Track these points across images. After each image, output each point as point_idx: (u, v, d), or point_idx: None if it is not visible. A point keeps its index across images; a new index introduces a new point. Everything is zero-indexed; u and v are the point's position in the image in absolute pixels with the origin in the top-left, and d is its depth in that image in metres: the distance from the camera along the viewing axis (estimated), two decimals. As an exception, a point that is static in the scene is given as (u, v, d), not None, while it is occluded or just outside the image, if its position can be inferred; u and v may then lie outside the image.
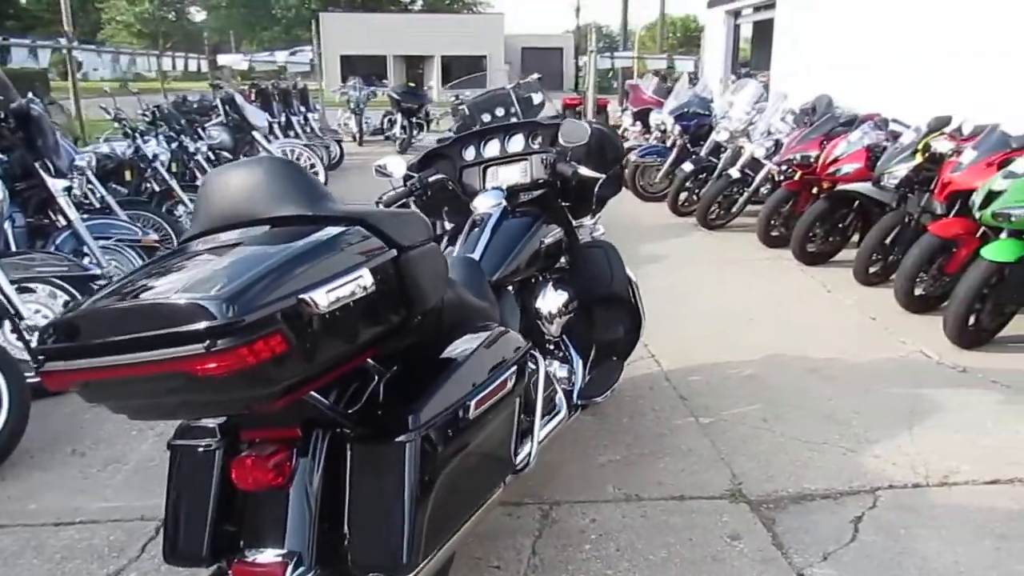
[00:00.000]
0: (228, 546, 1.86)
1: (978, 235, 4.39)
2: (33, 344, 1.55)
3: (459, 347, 1.97)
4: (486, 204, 2.85)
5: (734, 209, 7.16)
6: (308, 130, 11.49)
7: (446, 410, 1.78)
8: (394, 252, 1.78)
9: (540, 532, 2.54)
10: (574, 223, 3.07)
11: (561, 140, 2.79)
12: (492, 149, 3.06)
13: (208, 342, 1.40)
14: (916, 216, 5.01)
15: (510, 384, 1.99)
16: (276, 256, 1.56)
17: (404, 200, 3.04)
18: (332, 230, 1.70)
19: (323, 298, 1.54)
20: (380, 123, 16.03)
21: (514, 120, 6.63)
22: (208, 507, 1.85)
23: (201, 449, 1.89)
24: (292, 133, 10.71)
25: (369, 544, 1.69)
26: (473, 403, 1.85)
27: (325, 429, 1.81)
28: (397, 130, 14.34)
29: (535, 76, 6.66)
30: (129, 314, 1.50)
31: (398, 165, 3.05)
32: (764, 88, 7.48)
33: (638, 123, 10.15)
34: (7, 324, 3.63)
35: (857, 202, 5.68)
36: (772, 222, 6.37)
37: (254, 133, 8.36)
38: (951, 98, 5.71)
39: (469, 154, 3.09)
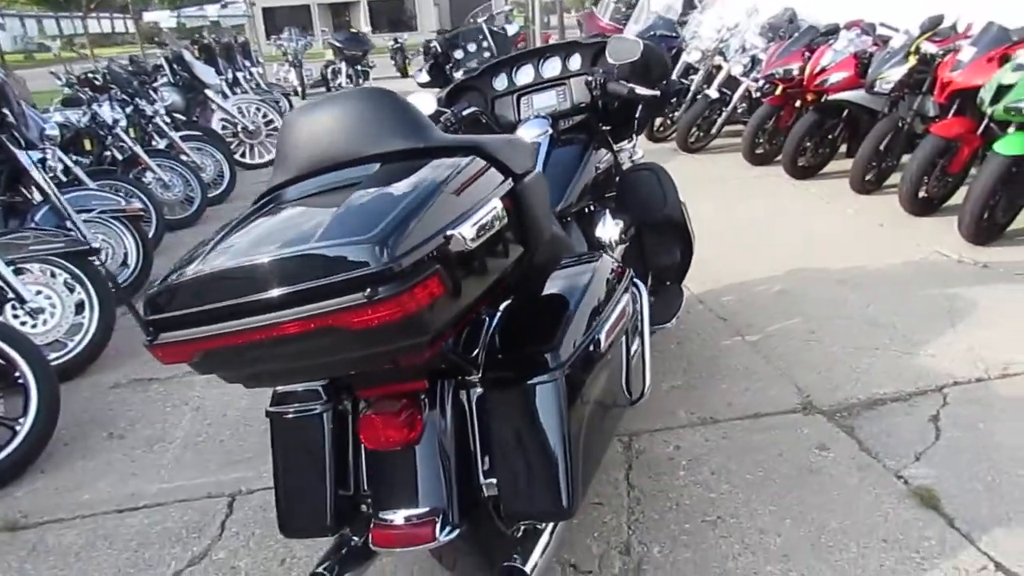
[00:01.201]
0: (348, 512, 1.76)
1: (979, 132, 4.43)
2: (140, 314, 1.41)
3: (569, 280, 1.87)
4: (532, 134, 2.72)
5: (713, 130, 7.11)
6: (254, 85, 10.99)
7: (583, 344, 1.69)
8: (511, 181, 1.66)
9: (630, 464, 2.49)
10: (615, 147, 2.96)
11: (610, 59, 2.65)
12: (525, 76, 2.92)
13: (369, 290, 1.28)
14: (910, 120, 5.02)
15: (629, 312, 1.91)
16: (412, 193, 1.43)
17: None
18: (454, 161, 1.57)
19: (470, 232, 1.42)
20: (321, 74, 15.50)
21: (487, 55, 6.48)
22: (326, 473, 1.74)
23: (309, 413, 1.77)
24: (239, 90, 10.23)
25: (526, 491, 1.60)
26: (603, 334, 1.76)
27: (449, 379, 1.71)
28: (343, 80, 13.89)
29: (506, 8, 6.42)
30: (262, 271, 1.36)
31: (428, 102, 2.86)
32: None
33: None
34: (7, 309, 3.40)
35: (846, 112, 5.66)
36: (757, 139, 6.34)
37: (207, 91, 7.94)
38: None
39: (500, 83, 2.94)
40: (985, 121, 4.33)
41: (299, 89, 14.66)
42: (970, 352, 3.01)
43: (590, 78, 2.73)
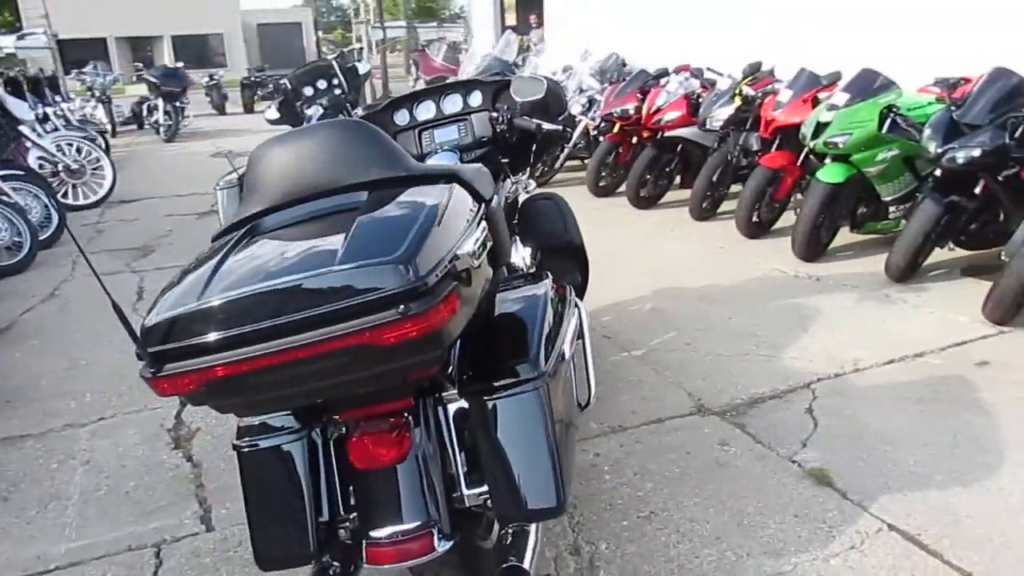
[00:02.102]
0: (327, 538, 1.77)
1: (799, 164, 5.07)
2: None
3: (524, 298, 2.00)
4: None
5: (556, 165, 7.53)
6: (63, 123, 10.19)
7: (554, 353, 1.82)
8: (481, 205, 1.78)
9: (559, 473, 2.63)
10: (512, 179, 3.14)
11: (516, 96, 2.83)
12: (426, 111, 3.03)
13: (403, 307, 1.35)
14: (737, 154, 5.63)
15: (581, 324, 2.06)
16: (420, 216, 1.51)
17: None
18: (441, 188, 1.66)
19: (471, 251, 1.52)
20: (133, 111, 14.63)
21: (338, 92, 6.49)
22: (305, 500, 1.75)
23: (283, 442, 1.77)
24: (49, 126, 9.46)
25: (521, 494, 1.70)
26: (566, 346, 1.90)
27: (428, 396, 1.78)
28: (160, 116, 13.16)
29: (357, 46, 6.48)
30: (283, 296, 1.38)
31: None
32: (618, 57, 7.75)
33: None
34: None
35: (680, 147, 6.23)
36: (600, 173, 6.80)
37: (21, 127, 7.31)
38: (738, 47, 6.42)
39: (401, 118, 3.04)
40: (804, 153, 4.97)
41: (108, 127, 13.72)
42: (824, 352, 3.45)
43: (495, 114, 2.90)
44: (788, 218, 5.34)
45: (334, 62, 6.34)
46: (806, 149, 4.95)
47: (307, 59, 41.66)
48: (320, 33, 43.82)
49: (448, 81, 3.30)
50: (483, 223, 1.69)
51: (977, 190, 4.02)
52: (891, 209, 4.67)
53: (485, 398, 1.73)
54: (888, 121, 4.39)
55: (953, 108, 4.02)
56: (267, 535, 1.77)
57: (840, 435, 2.78)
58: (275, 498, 1.78)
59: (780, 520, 2.33)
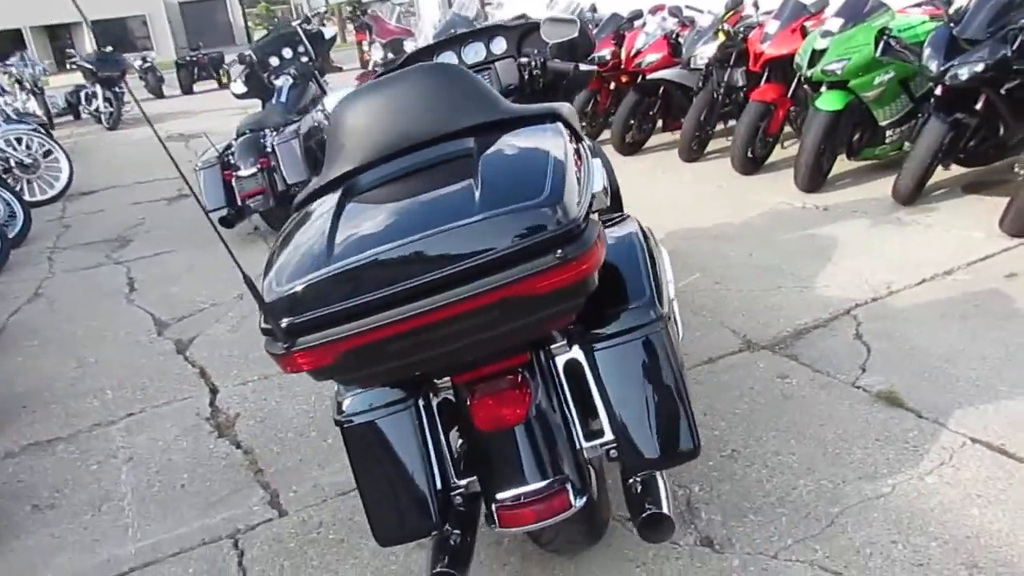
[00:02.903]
0: (446, 507, 1.71)
1: (789, 95, 5.05)
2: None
3: (618, 239, 1.92)
4: None
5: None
6: (4, 117, 9.67)
7: (665, 294, 1.76)
8: (581, 143, 1.70)
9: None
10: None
11: (547, 38, 2.73)
12: (448, 61, 2.91)
13: (561, 251, 1.27)
14: (722, 91, 5.58)
15: (667, 261, 2.01)
16: (548, 157, 1.43)
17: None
18: (553, 127, 1.58)
19: (603, 188, 1.45)
20: (67, 100, 13.99)
21: (304, 60, 6.25)
22: (423, 470, 1.67)
23: (391, 412, 1.69)
24: (-11, 121, 8.95)
25: (653, 440, 1.65)
26: (670, 286, 1.85)
27: (540, 350, 1.71)
28: (100, 104, 12.59)
29: (322, 9, 6.23)
30: (419, 252, 1.29)
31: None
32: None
33: (390, 54, 9.93)
34: None
35: (662, 89, 6.16)
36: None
37: (-35, 123, 6.91)
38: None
39: None
40: (794, 85, 4.95)
41: (45, 119, 13.08)
42: (855, 279, 3.46)
43: (524, 59, 2.79)
44: (778, 152, 5.35)
45: (298, 28, 6.08)
46: (795, 80, 4.94)
47: (235, 35, 40.45)
48: (244, 8, 42.45)
49: (469, 30, 3.16)
50: (597, 159, 1.61)
51: (978, 106, 4.04)
52: (888, 133, 4.68)
53: (604, 346, 1.67)
54: (882, 44, 4.37)
55: (952, 25, 4.01)
56: (385, 510, 1.70)
57: (896, 357, 2.79)
58: (389, 472, 1.70)
59: (864, 445, 2.33)
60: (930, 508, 2.04)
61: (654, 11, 6.26)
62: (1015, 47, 3.84)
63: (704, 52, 5.47)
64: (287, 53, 6.11)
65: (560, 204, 1.30)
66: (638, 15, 6.34)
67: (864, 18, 4.45)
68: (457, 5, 8.91)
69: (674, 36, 5.91)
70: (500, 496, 1.64)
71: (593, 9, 7.17)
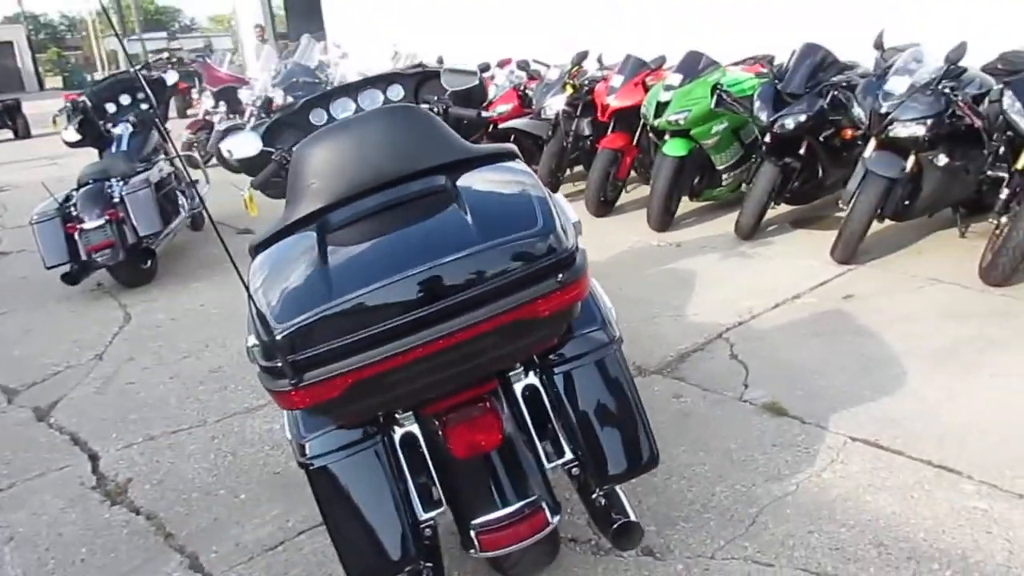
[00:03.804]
0: (419, 538, 1.73)
1: (635, 143, 5.48)
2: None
3: None
4: None
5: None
6: None
7: (613, 317, 1.89)
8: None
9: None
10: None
11: (448, 86, 2.83)
12: (343, 109, 2.93)
13: (562, 275, 1.36)
14: (571, 140, 5.94)
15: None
16: (528, 191, 1.53)
17: (275, 175, 2.77)
18: (516, 165, 1.67)
19: (576, 220, 1.56)
20: None
21: (145, 107, 5.97)
22: (394, 505, 1.70)
23: (358, 451, 1.70)
24: None
25: (617, 454, 1.76)
26: (611, 310, 1.98)
27: (503, 376, 1.78)
28: None
29: (163, 55, 5.98)
30: (424, 282, 1.35)
31: (251, 142, 2.75)
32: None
33: (221, 103, 9.63)
34: None
35: (512, 137, 6.43)
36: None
37: None
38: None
39: (318, 118, 2.91)
40: (638, 133, 5.38)
41: None
42: (720, 306, 3.80)
43: (425, 105, 2.87)
44: (623, 196, 5.77)
45: (138, 74, 5.81)
46: (639, 129, 5.38)
47: (24, 82, 37.24)
48: (35, 53, 39.40)
49: (364, 77, 3.20)
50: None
51: (802, 151, 4.61)
52: (724, 177, 5.19)
53: (563, 369, 1.77)
54: (716, 97, 4.87)
55: (776, 81, 4.57)
56: (360, 550, 1.70)
57: (770, 372, 3.10)
58: (361, 510, 1.70)
59: (763, 451, 2.57)
60: (832, 500, 2.29)
61: (501, 64, 6.57)
62: (828, 101, 4.43)
63: (553, 104, 5.81)
64: (125, 100, 5.81)
65: (554, 233, 1.40)
66: (486, 68, 6.61)
67: (699, 74, 4.95)
68: (298, 55, 8.91)
69: (522, 88, 6.22)
70: (478, 521, 1.68)
71: (440, 61, 7.37)
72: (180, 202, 5.71)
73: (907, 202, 4.15)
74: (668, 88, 4.93)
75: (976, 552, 2.03)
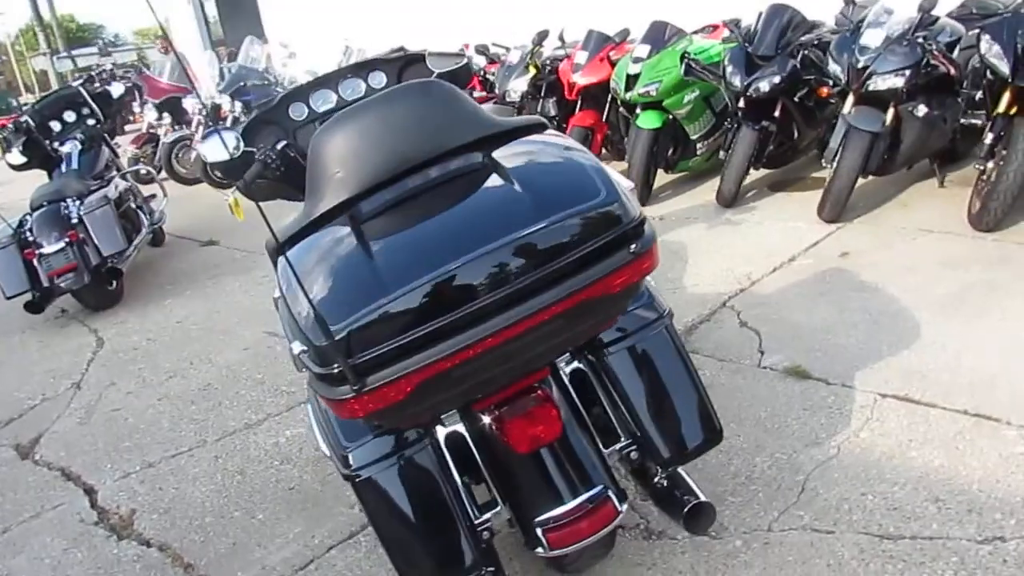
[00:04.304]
0: (478, 542, 1.63)
1: (605, 120, 5.40)
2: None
3: None
4: None
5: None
6: None
7: (652, 291, 1.81)
8: None
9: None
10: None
11: (434, 68, 2.70)
12: (325, 101, 2.79)
13: (634, 246, 1.27)
14: (538, 121, 5.83)
15: None
16: (579, 160, 1.43)
17: (261, 176, 2.62)
18: (558, 136, 1.57)
19: (630, 188, 1.47)
20: None
21: (92, 122, 5.71)
22: (455, 508, 1.60)
23: (412, 456, 1.59)
24: None
25: (680, 432, 1.67)
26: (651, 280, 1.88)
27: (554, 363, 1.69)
28: None
29: (108, 66, 5.72)
30: (488, 266, 1.24)
31: (231, 143, 2.59)
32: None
33: (165, 114, 9.28)
34: None
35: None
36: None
37: None
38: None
39: (298, 112, 2.77)
40: (607, 109, 5.30)
41: None
42: (719, 274, 3.74)
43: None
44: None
45: (80, 88, 5.53)
46: (608, 106, 5.30)
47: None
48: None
49: (342, 66, 3.05)
50: None
51: (776, 113, 4.57)
52: (699, 146, 5.14)
53: (616, 349, 1.68)
54: (685, 66, 4.81)
55: (746, 45, 4.52)
56: (419, 562, 1.59)
57: (783, 336, 3.05)
58: (417, 519, 1.60)
59: (796, 416, 2.51)
60: (877, 459, 2.24)
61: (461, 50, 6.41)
62: (799, 61, 4.41)
63: (517, 86, 5.70)
64: (70, 116, 5.53)
65: (620, 201, 1.31)
66: (441, 56, 6.45)
67: (666, 44, 4.88)
68: (242, 57, 8.63)
69: (482, 73, 6.09)
70: (543, 518, 1.58)
71: (401, 49, 7.19)
72: (140, 218, 5.46)
73: (888, 156, 4.14)
74: (637, 60, 4.85)
75: (1034, 498, 2.00)
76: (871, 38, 3.91)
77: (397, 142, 1.51)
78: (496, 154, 1.49)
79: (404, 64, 2.83)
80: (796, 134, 4.81)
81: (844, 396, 2.58)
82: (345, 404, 1.23)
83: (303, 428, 2.94)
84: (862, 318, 3.08)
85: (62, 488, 2.84)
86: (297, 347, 1.28)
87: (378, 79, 2.85)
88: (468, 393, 1.46)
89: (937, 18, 3.93)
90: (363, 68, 2.85)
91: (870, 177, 4.29)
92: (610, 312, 1.42)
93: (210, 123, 8.56)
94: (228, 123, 8.03)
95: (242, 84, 7.93)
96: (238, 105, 7.84)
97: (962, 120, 4.25)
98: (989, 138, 3.69)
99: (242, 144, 2.60)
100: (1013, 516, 1.95)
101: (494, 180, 1.40)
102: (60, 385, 3.77)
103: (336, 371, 1.21)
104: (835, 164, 4.05)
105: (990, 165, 3.71)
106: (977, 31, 3.69)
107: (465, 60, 2.72)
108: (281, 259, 1.47)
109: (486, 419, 1.59)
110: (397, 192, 1.47)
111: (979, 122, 4.18)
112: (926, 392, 2.52)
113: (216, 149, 2.58)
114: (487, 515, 1.65)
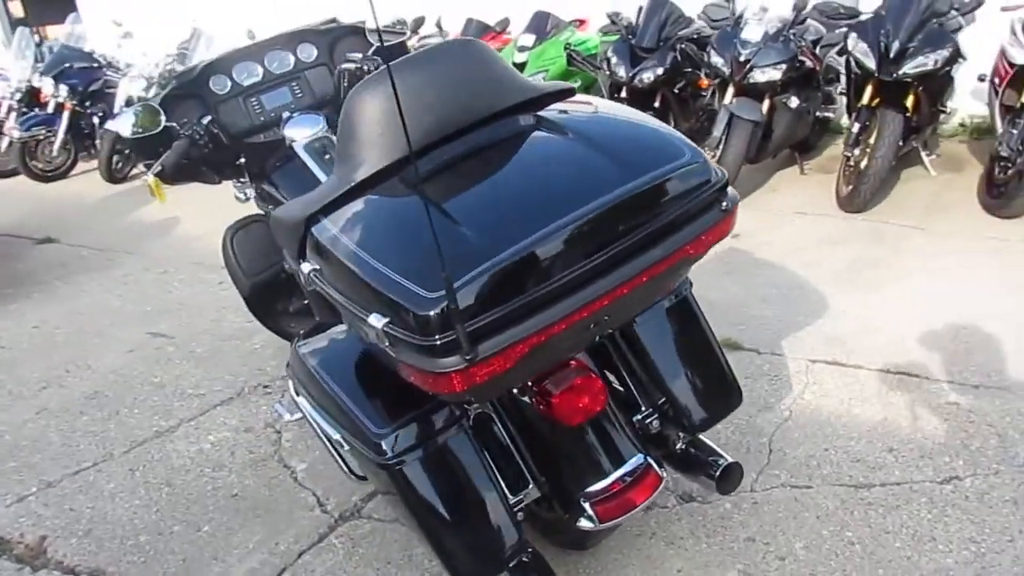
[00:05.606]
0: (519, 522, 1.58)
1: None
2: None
3: None
4: (304, 133, 2.46)
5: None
6: None
7: None
8: None
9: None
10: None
11: (374, 43, 2.57)
12: (249, 74, 2.58)
13: (725, 203, 1.27)
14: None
15: None
16: (646, 120, 1.40)
17: (186, 152, 2.38)
18: (602, 99, 1.54)
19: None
20: None
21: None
22: (497, 489, 1.54)
23: (449, 438, 1.51)
24: None
25: (704, 397, 1.69)
26: None
27: None
28: None
29: None
30: (584, 227, 1.19)
31: (150, 118, 2.35)
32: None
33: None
34: None
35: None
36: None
37: None
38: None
39: (220, 85, 2.55)
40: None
41: None
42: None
43: (349, 66, 2.58)
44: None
45: None
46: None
47: None
48: None
49: (270, 36, 2.81)
50: None
51: (656, 104, 4.78)
52: (579, 136, 5.26)
53: (640, 319, 1.68)
54: (567, 56, 4.92)
55: (630, 38, 4.68)
56: (465, 545, 1.52)
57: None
58: (463, 503, 1.52)
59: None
60: (827, 418, 2.40)
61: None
62: (679, 55, 4.63)
63: (393, 73, 5.55)
64: None
65: (705, 160, 1.30)
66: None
67: (550, 34, 4.95)
68: (65, 36, 7.81)
69: (352, 60, 5.88)
70: (591, 490, 1.54)
71: (251, 36, 6.77)
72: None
73: (761, 144, 4.44)
74: (522, 49, 4.89)
75: (972, 440, 2.22)
76: (752, 33, 4.17)
77: (447, 100, 1.41)
78: (558, 116, 1.44)
79: (337, 37, 2.68)
80: (673, 124, 5.04)
81: (778, 364, 2.74)
82: (447, 378, 1.13)
83: (229, 432, 2.71)
84: (772, 292, 3.28)
85: (-59, 520, 2.44)
86: (378, 321, 1.16)
87: (307, 51, 2.68)
88: (548, 361, 1.39)
89: (807, 18, 4.27)
90: (292, 40, 2.66)
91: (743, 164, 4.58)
92: (683, 273, 1.42)
93: (24, 109, 7.68)
94: (50, 109, 7.25)
95: (68, 66, 7.16)
96: (63, 88, 7.08)
97: (818, 113, 4.67)
98: (856, 127, 4.06)
99: (163, 118, 2.36)
100: (959, 457, 2.16)
101: (557, 142, 1.35)
102: (-100, 404, 3.23)
103: (439, 342, 1.11)
104: (720, 151, 4.29)
105: (856, 152, 4.07)
106: (844, 30, 4.05)
107: (406, 36, 2.61)
108: (326, 229, 1.33)
109: (523, 397, 1.53)
110: (452, 153, 1.37)
111: (831, 115, 4.61)
112: (850, 356, 2.73)
113: (129, 122, 2.32)
114: (522, 494, 1.60)
